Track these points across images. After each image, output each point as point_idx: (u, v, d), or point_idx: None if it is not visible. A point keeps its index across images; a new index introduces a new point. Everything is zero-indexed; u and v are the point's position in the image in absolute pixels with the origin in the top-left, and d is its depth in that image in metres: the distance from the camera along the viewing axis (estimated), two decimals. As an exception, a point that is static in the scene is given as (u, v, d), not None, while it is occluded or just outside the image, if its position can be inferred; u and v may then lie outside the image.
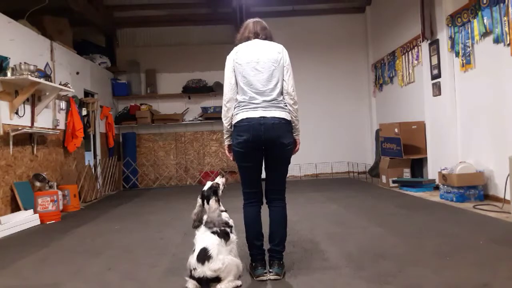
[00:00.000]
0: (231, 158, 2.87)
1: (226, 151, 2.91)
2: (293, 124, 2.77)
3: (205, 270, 2.40)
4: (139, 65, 9.48)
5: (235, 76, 2.75)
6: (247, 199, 2.83)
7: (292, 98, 2.74)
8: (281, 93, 2.75)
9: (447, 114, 5.94)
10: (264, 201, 2.85)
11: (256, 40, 2.83)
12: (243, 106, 2.70)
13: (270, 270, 2.72)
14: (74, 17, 7.47)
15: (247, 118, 2.66)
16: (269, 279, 2.66)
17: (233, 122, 2.75)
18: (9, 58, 5.10)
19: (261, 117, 2.64)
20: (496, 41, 4.89)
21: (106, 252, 3.57)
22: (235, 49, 2.83)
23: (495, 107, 5.04)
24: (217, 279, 2.42)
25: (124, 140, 9.32)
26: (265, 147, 2.70)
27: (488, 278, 2.47)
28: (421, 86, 6.72)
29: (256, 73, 2.71)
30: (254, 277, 2.72)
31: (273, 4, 9.29)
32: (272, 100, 2.69)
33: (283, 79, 2.77)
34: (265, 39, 2.85)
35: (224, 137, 2.87)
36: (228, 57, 2.83)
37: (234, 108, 2.74)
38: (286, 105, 2.73)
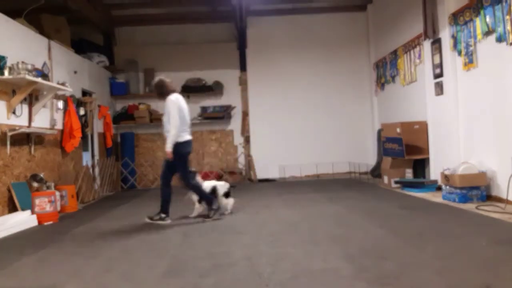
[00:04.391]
0: (171, 157, 4.76)
1: (169, 154, 4.76)
2: None
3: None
4: (138, 64, 9.43)
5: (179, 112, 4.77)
6: (190, 178, 4.89)
7: None
8: None
9: (449, 114, 5.90)
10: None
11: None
12: (186, 131, 4.89)
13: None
14: (72, 15, 7.44)
15: (190, 139, 4.94)
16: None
17: (181, 140, 4.78)
18: (6, 57, 5.05)
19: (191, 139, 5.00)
20: (499, 39, 4.85)
21: (105, 253, 3.55)
22: (175, 95, 4.90)
23: (498, 107, 5.00)
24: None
25: (122, 140, 9.27)
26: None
27: (491, 280, 2.46)
28: (423, 85, 6.68)
29: (187, 112, 4.99)
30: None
31: (273, 2, 9.23)
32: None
33: None
34: None
35: (171, 145, 4.74)
36: (173, 99, 4.81)
37: (182, 131, 4.80)
38: None
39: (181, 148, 4.80)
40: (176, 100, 4.84)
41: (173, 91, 4.97)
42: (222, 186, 5.13)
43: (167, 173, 4.92)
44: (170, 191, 4.89)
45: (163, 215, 4.79)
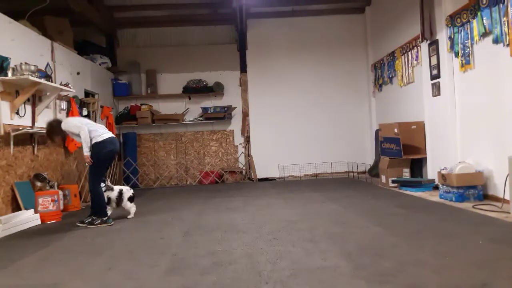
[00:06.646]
0: (89, 161, 4.70)
1: (87, 158, 4.69)
2: None
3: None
4: (140, 66, 9.51)
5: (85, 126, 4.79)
6: (100, 183, 4.86)
7: None
8: None
9: (446, 114, 5.95)
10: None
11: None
12: (99, 131, 4.78)
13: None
14: (74, 17, 7.50)
15: (110, 136, 4.82)
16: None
17: (99, 140, 4.70)
18: (10, 58, 5.11)
19: (112, 136, 4.90)
20: (496, 41, 4.90)
21: (107, 252, 3.59)
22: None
23: (495, 107, 5.05)
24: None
25: (125, 140, 9.35)
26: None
27: (487, 278, 2.48)
28: (420, 86, 6.73)
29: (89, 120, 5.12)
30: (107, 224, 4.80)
31: (273, 4, 9.31)
32: None
33: None
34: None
35: (88, 149, 4.67)
36: (64, 121, 4.91)
37: (95, 132, 4.76)
38: None
39: (100, 148, 4.73)
40: (66, 120, 5.00)
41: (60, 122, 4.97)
42: (127, 190, 5.21)
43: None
44: (102, 192, 4.92)
45: (104, 218, 4.84)
